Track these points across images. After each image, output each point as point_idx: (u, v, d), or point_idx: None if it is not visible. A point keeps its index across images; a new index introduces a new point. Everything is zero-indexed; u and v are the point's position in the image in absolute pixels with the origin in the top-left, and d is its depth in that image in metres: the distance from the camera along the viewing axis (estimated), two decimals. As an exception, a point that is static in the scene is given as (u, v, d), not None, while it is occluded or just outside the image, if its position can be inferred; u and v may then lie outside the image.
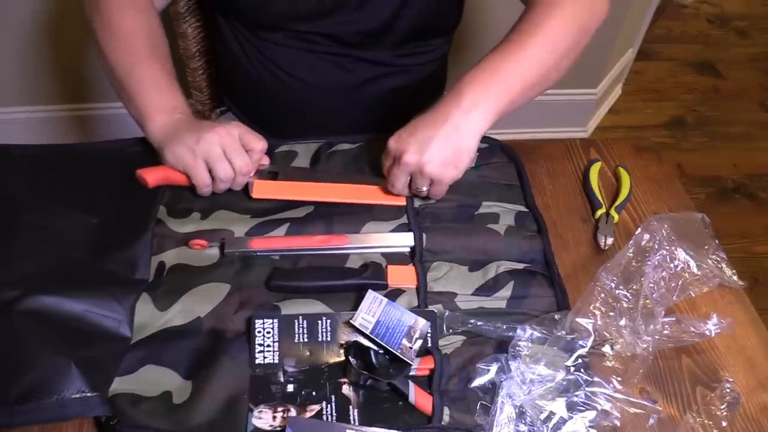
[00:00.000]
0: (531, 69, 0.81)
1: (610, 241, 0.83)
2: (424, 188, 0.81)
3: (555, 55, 0.83)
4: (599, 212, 0.87)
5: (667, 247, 0.78)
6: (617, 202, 0.88)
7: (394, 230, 0.82)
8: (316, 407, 0.66)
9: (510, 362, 0.68)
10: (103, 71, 0.91)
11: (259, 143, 0.83)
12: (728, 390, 0.69)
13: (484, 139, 0.94)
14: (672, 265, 0.77)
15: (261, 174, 0.86)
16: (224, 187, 0.83)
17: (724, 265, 0.79)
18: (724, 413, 0.68)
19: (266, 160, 0.87)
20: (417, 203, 0.86)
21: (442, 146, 0.77)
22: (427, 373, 0.69)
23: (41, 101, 1.90)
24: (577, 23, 0.84)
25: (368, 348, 0.69)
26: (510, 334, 0.70)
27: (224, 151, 0.80)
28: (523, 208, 0.87)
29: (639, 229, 0.80)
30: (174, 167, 0.82)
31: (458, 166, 0.79)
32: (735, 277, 0.79)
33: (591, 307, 0.72)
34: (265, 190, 0.85)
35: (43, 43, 1.75)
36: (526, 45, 0.81)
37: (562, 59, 0.84)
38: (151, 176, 0.82)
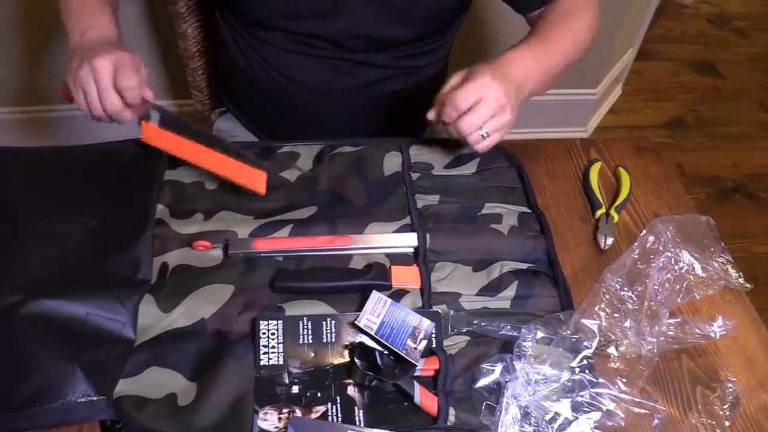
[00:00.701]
0: (559, 61, 0.90)
1: (610, 241, 0.84)
2: (488, 134, 0.81)
3: (575, 54, 0.93)
4: (599, 212, 0.87)
5: (672, 249, 0.78)
6: (617, 202, 0.88)
7: (397, 231, 0.82)
8: (321, 408, 0.66)
9: (515, 362, 0.68)
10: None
11: (126, 82, 0.80)
12: (730, 390, 0.70)
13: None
14: (677, 267, 0.77)
15: (152, 116, 0.84)
16: (102, 117, 0.83)
17: (729, 268, 0.79)
18: (726, 413, 0.68)
19: (148, 94, 0.84)
20: (420, 204, 0.86)
21: (518, 102, 0.82)
22: (432, 373, 0.69)
23: (36, 101, 1.89)
24: (591, 32, 0.95)
25: (373, 349, 0.69)
26: (515, 334, 0.70)
27: (97, 87, 0.80)
28: (525, 209, 0.87)
29: (644, 231, 0.80)
30: None
31: (513, 123, 0.83)
32: (741, 280, 0.79)
33: (596, 308, 0.72)
34: (152, 135, 0.85)
35: (38, 42, 1.75)
36: (559, 40, 0.90)
37: (575, 59, 0.94)
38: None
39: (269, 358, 0.69)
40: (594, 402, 0.66)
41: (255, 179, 0.83)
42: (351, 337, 0.71)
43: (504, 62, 0.83)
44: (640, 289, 0.75)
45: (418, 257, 0.79)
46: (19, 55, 1.76)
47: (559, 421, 0.65)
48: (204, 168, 0.85)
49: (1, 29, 1.70)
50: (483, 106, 0.78)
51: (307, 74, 1.01)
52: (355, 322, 0.71)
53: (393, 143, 0.94)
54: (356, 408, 0.67)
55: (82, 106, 0.82)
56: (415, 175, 0.90)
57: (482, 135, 0.80)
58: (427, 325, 0.71)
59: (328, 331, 0.71)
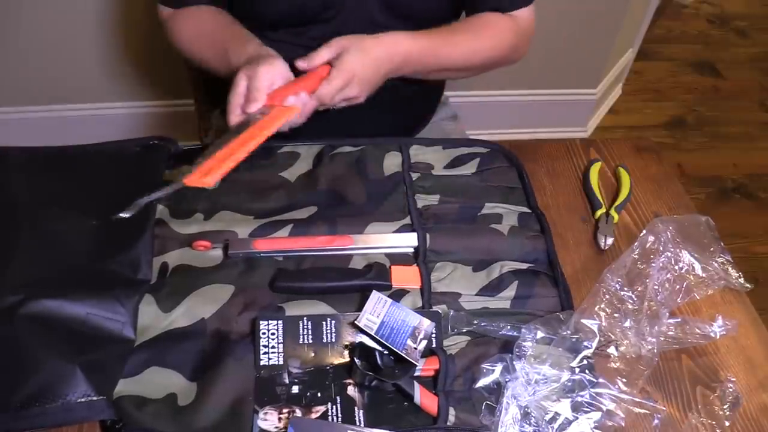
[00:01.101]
0: (452, 59, 0.96)
1: (610, 241, 0.84)
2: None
3: (468, 62, 0.98)
4: (599, 212, 0.87)
5: (672, 249, 0.78)
6: (617, 202, 0.88)
7: (397, 231, 0.82)
8: (321, 408, 0.66)
9: (515, 362, 0.68)
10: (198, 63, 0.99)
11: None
12: (730, 390, 0.70)
13: (486, 143, 0.95)
14: (677, 267, 0.77)
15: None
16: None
17: (729, 268, 0.79)
18: (726, 413, 0.68)
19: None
20: (420, 204, 0.86)
21: (373, 85, 0.89)
22: (432, 373, 0.69)
23: (41, 101, 1.90)
24: (499, 51, 0.99)
25: (373, 349, 0.69)
26: (515, 334, 0.70)
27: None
28: (525, 209, 0.87)
29: (644, 231, 0.80)
30: None
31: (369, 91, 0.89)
32: (741, 280, 0.79)
33: (596, 308, 0.72)
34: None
35: (42, 43, 1.75)
36: (460, 41, 0.96)
37: (468, 69, 1.00)
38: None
39: (269, 358, 0.69)
40: (594, 402, 0.66)
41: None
42: (351, 337, 0.71)
43: (391, 55, 0.89)
44: (640, 289, 0.75)
45: (418, 257, 0.79)
46: (19, 55, 1.77)
47: (559, 421, 0.65)
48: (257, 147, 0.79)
49: (2, 29, 1.70)
50: (338, 91, 0.85)
51: None
52: (355, 322, 0.71)
53: (393, 143, 0.94)
54: (356, 408, 0.67)
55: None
56: (415, 175, 0.90)
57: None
58: (427, 325, 0.71)
59: (328, 331, 0.71)
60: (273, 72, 0.81)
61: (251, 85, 0.80)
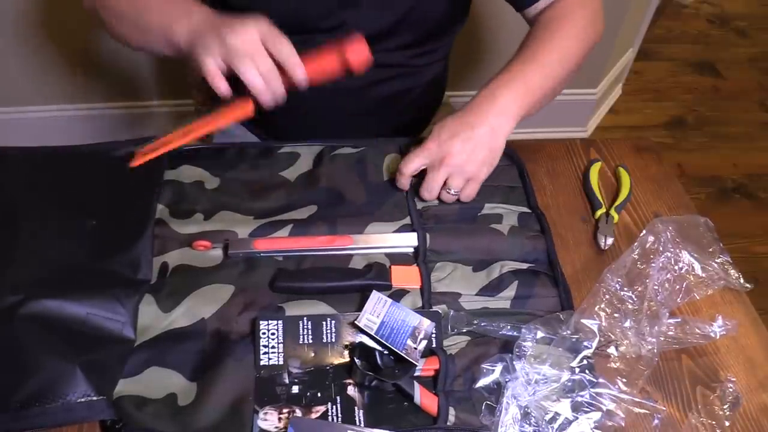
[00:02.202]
0: (547, 81, 0.88)
1: (610, 241, 0.84)
2: (457, 189, 0.84)
3: (565, 70, 0.90)
4: (599, 212, 0.87)
5: (672, 249, 0.78)
6: (617, 202, 0.88)
7: (397, 231, 0.82)
8: (321, 408, 0.66)
9: (515, 362, 0.68)
10: (117, 34, 0.91)
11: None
12: (730, 390, 0.70)
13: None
14: (677, 267, 0.77)
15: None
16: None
17: (729, 268, 0.79)
18: (726, 413, 0.68)
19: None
20: (420, 205, 0.86)
21: (482, 146, 0.82)
22: (432, 373, 0.69)
23: (37, 101, 1.90)
24: (584, 42, 0.93)
25: (373, 349, 0.69)
26: (515, 334, 0.70)
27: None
28: (526, 209, 0.87)
29: (644, 231, 0.80)
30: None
31: (492, 164, 0.84)
32: (741, 280, 0.79)
33: (596, 308, 0.72)
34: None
35: (39, 41, 1.75)
36: (544, 60, 0.88)
37: (570, 73, 0.92)
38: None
39: (269, 358, 0.69)
40: (594, 402, 0.66)
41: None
42: (351, 337, 0.71)
43: (473, 106, 0.84)
44: (640, 289, 0.75)
45: (418, 257, 0.79)
46: (19, 55, 1.77)
47: (559, 421, 0.65)
48: (197, 136, 0.83)
49: (3, 29, 1.70)
50: (435, 174, 0.83)
51: None
52: (355, 322, 0.71)
53: (393, 144, 0.94)
54: (356, 408, 0.67)
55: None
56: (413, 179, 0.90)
57: (452, 193, 0.84)
58: (427, 325, 0.71)
59: (328, 331, 0.71)
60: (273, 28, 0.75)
61: (284, 49, 0.73)
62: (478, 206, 0.86)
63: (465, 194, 0.85)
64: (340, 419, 0.66)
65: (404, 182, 0.86)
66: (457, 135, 0.82)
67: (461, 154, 0.81)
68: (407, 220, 0.84)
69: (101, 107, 1.93)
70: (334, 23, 0.94)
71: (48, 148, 0.91)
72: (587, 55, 0.95)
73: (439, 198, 0.86)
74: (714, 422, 0.67)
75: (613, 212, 0.87)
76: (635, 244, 0.79)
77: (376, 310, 0.71)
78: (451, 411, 0.66)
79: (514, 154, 0.93)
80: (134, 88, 1.89)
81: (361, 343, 0.70)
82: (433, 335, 0.71)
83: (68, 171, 0.88)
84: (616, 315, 0.72)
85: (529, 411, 0.65)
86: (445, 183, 0.84)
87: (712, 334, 0.73)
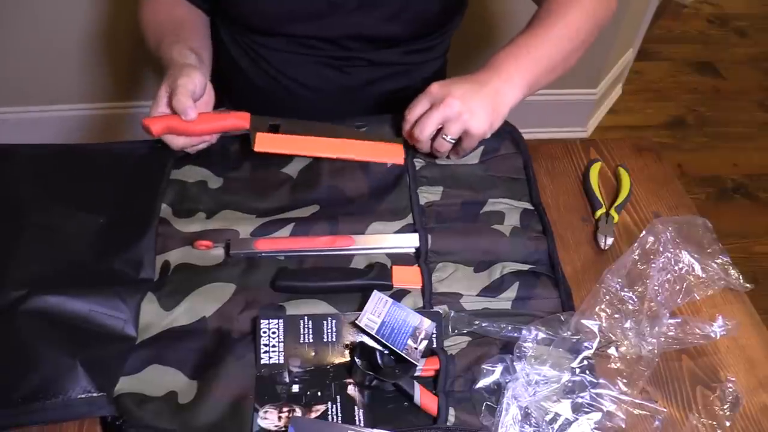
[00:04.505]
0: (554, 54, 0.88)
1: (610, 241, 0.84)
2: (452, 138, 0.83)
3: (573, 44, 0.90)
4: (599, 212, 0.87)
5: (672, 250, 0.78)
6: (617, 202, 0.88)
7: (399, 231, 0.82)
8: (321, 407, 0.66)
9: (515, 363, 0.68)
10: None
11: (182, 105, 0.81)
12: (730, 390, 0.70)
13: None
14: (677, 268, 0.77)
15: (262, 126, 0.87)
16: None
17: (729, 268, 0.79)
18: (727, 413, 0.68)
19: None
20: (422, 201, 0.85)
21: (485, 101, 0.82)
22: (432, 373, 0.69)
23: (47, 101, 1.90)
24: (593, 18, 0.91)
25: (373, 348, 0.69)
26: (515, 335, 0.70)
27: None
28: (528, 206, 0.87)
29: (644, 232, 0.80)
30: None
31: (492, 125, 0.83)
32: (741, 280, 0.79)
33: (596, 309, 0.72)
34: (267, 143, 0.86)
35: (38, 42, 1.75)
36: (551, 33, 0.88)
37: (578, 49, 0.91)
38: (156, 125, 0.82)
39: (270, 357, 0.69)
40: (594, 403, 0.66)
41: (391, 153, 0.86)
42: (352, 336, 0.71)
43: (478, 74, 0.85)
44: (640, 289, 0.75)
45: (420, 257, 0.79)
46: (19, 55, 1.77)
47: (559, 422, 0.65)
48: (332, 157, 0.88)
49: (5, 29, 1.70)
50: (432, 112, 0.82)
51: (307, 74, 1.01)
52: (356, 321, 0.71)
53: (391, 121, 0.93)
54: (356, 408, 0.67)
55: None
56: (418, 164, 0.89)
57: (447, 140, 0.83)
58: (427, 325, 0.71)
59: (329, 330, 0.71)
60: (194, 83, 0.82)
61: (176, 98, 0.80)
62: (480, 202, 0.86)
63: (462, 147, 0.85)
64: (340, 419, 0.66)
65: (407, 129, 0.85)
66: (462, 83, 0.82)
67: (462, 98, 0.80)
68: (409, 219, 0.83)
69: (105, 106, 1.93)
70: (324, 23, 0.94)
71: (56, 145, 0.91)
72: (598, 31, 0.94)
73: (432, 153, 0.86)
74: (714, 422, 0.67)
75: (613, 212, 0.87)
76: (635, 244, 0.79)
77: (376, 310, 0.71)
78: (451, 411, 0.66)
79: (521, 141, 0.93)
80: (137, 88, 1.90)
81: (361, 343, 0.70)
82: (434, 335, 0.71)
83: (76, 169, 0.88)
84: (616, 316, 0.72)
85: (529, 412, 0.65)
86: (442, 130, 0.83)
87: (712, 335, 0.73)
